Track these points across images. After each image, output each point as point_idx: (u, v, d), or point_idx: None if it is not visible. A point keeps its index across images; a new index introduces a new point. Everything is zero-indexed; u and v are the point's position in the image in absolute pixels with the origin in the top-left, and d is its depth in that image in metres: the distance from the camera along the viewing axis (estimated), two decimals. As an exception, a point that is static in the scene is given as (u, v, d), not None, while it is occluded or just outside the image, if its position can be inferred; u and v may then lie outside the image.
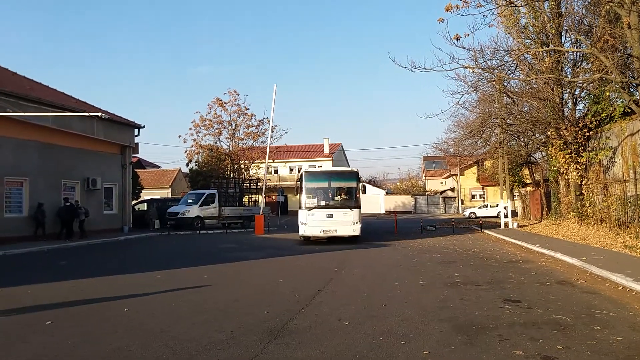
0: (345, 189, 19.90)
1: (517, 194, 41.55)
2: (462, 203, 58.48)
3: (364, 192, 20.49)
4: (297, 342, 5.93)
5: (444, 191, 65.75)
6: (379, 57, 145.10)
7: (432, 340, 5.86)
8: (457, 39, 15.02)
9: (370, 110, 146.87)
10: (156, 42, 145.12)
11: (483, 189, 57.66)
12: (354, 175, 19.95)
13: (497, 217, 37.08)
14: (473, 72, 21.73)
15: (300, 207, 19.25)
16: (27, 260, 15.82)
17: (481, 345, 5.63)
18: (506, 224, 26.87)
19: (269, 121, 35.95)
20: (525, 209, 38.11)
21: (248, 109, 40.74)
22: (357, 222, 18.87)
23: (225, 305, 8.14)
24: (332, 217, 18.81)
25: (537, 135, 26.53)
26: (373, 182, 74.04)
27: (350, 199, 19.48)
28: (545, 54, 20.58)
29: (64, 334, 6.50)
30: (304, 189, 19.27)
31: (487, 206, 47.13)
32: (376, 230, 27.44)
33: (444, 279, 10.40)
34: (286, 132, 78.88)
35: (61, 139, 23.46)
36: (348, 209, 18.95)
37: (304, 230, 19.03)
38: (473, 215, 44.86)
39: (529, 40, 22.66)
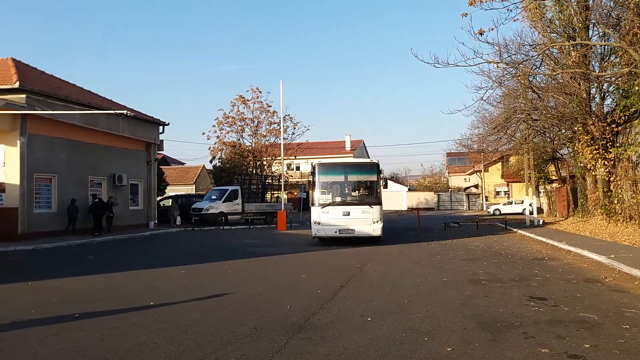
0: (364, 184, 17.90)
1: (543, 190, 40.86)
2: (486, 200, 57.76)
3: (386, 186, 18.20)
4: (319, 337, 5.96)
5: (468, 188, 65.02)
6: (401, 53, 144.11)
7: (455, 337, 5.82)
8: (481, 34, 14.80)
9: (392, 106, 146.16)
10: (181, 40, 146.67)
11: (508, 185, 56.84)
12: (374, 168, 17.76)
13: (522, 214, 36.56)
14: (497, 67, 21.35)
15: (312, 204, 17.43)
16: (55, 254, 16.20)
17: (506, 342, 5.57)
18: (531, 221, 26.47)
19: (285, 118, 36.05)
20: (551, 205, 37.47)
21: (270, 105, 40.86)
22: (377, 221, 16.94)
23: (248, 300, 8.21)
24: (349, 215, 16.93)
25: (563, 130, 26.03)
26: (395, 179, 73.63)
27: (370, 195, 17.51)
28: (571, 48, 20.16)
29: (92, 327, 6.65)
30: (317, 184, 17.46)
31: (511, 203, 46.50)
32: (398, 227, 27.30)
33: (468, 276, 10.31)
34: (308, 129, 78.97)
35: (88, 136, 23.91)
36: (367, 206, 17.00)
37: (317, 230, 17.25)
38: (497, 212, 44.28)
39: (555, 34, 22.22)
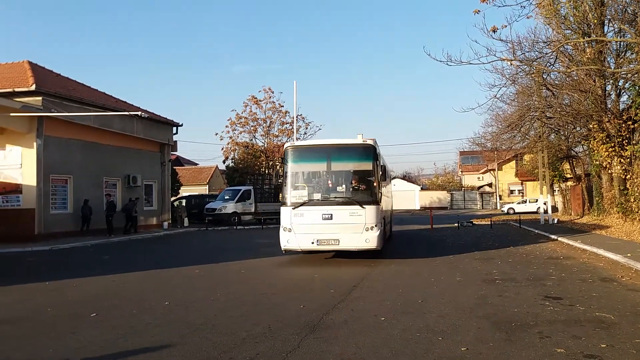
0: (354, 174, 12.98)
1: (558, 189, 40.45)
2: (500, 198, 57.34)
3: (385, 177, 14.12)
4: (333, 336, 5.97)
5: (481, 186, 64.59)
6: (413, 51, 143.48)
7: (469, 337, 5.80)
8: (494, 31, 14.67)
9: (405, 105, 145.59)
10: (194, 41, 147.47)
11: (522, 184, 56.40)
12: (369, 152, 12.77)
13: (536, 212, 36.21)
14: (511, 64, 21.20)
15: (283, 203, 12.76)
16: (72, 255, 16.40)
17: (521, 342, 5.54)
18: (546, 220, 26.23)
19: (298, 118, 36.07)
20: (566, 204, 37.08)
21: (282, 105, 41.06)
22: (373, 227, 12.05)
23: (262, 299, 8.24)
24: (331, 218, 12.08)
25: (578, 128, 25.75)
26: (408, 178, 73.42)
27: (363, 190, 12.60)
28: (586, 45, 19.94)
29: (108, 325, 6.73)
30: (288, 175, 12.83)
31: (526, 201, 46.12)
32: (410, 226, 27.21)
33: (482, 276, 10.26)
34: (320, 129, 78.82)
35: (103, 138, 24.16)
36: (358, 206, 12.05)
37: (287, 240, 12.36)
38: (511, 211, 43.93)
39: (570, 31, 21.97)
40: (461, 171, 72.11)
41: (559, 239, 17.54)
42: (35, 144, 20.27)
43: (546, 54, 20.94)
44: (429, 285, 9.34)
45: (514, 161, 51.52)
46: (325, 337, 5.96)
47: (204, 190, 49.67)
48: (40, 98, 20.15)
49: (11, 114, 18.98)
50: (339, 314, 7.10)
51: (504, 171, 57.45)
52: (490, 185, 63.11)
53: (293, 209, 12.33)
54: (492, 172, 60.04)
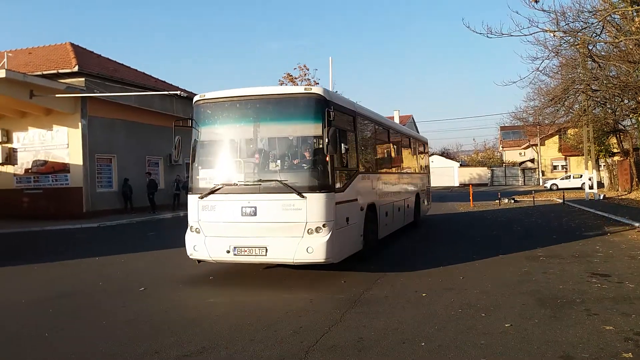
0: (292, 144, 8.52)
1: (604, 164, 39.07)
2: (543, 174, 55.82)
3: (335, 148, 7.54)
4: (374, 311, 6.01)
5: (523, 162, 62.99)
6: (451, 24, 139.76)
7: (513, 313, 5.73)
8: (536, 1, 14.10)
9: (442, 80, 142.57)
10: (228, 19, 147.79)
11: (565, 159, 54.69)
12: (315, 108, 7.78)
13: (581, 188, 35.17)
14: (554, 36, 20.33)
15: (189, 189, 8.35)
16: (119, 231, 16.98)
17: (567, 319, 5.44)
18: (591, 196, 25.43)
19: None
20: (613, 179, 35.82)
21: (318, 83, 40.80)
22: (320, 228, 7.48)
23: (303, 275, 8.34)
24: (254, 214, 7.67)
25: (626, 101, 24.64)
26: (446, 154, 72.26)
27: (305, 168, 7.97)
28: (635, 14, 18.93)
29: (156, 299, 6.98)
30: (197, 146, 8.53)
31: (570, 177, 44.79)
32: (449, 202, 26.88)
33: (525, 252, 10.06)
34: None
35: (144, 117, 24.64)
36: (294, 194, 7.49)
37: (195, 244, 8.02)
38: (555, 187, 42.76)
39: (617, -1, 20.92)
40: (502, 147, 70.44)
41: (606, 215, 17.01)
42: (80, 124, 20.87)
43: (592, 24, 19.95)
44: (471, 261, 9.23)
45: (557, 136, 49.90)
46: (366, 311, 6.00)
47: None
48: (83, 79, 20.68)
49: (56, 95, 19.57)
50: (380, 289, 7.13)
51: (547, 146, 55.77)
52: (532, 161, 61.49)
53: (200, 198, 7.95)
54: (534, 147, 58.41)
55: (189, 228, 8.16)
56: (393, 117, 64.94)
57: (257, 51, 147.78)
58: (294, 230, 7.47)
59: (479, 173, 61.67)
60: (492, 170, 61.19)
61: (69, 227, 17.68)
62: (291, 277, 8.19)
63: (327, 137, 7.30)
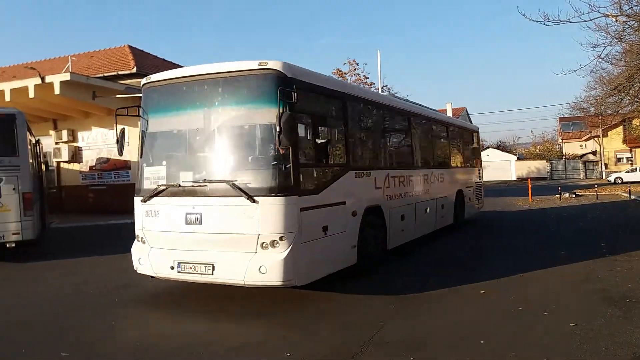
0: (247, 133, 6.51)
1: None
2: (606, 167, 53.24)
3: (316, 133, 6.95)
4: (428, 309, 5.91)
5: (584, 155, 60.31)
6: (506, 12, 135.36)
7: (578, 313, 5.48)
8: (598, -16, 13.44)
9: (497, 71, 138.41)
10: (280, 16, 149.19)
11: (631, 151, 51.96)
12: (274, 87, 5.91)
13: (648, 181, 33.35)
14: (616, 20, 19.33)
15: (135, 192, 7.16)
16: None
17: (638, 319, 5.15)
18: (660, 190, 24.05)
19: (383, 89, 35.43)
20: (684, 172, 33.74)
21: (367, 77, 40.48)
22: (277, 242, 5.86)
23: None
24: (200, 222, 6.21)
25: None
26: (502, 147, 70.18)
27: (262, 164, 6.20)
28: None
29: (208, 293, 7.15)
30: (145, 140, 7.39)
31: (635, 170, 42.50)
32: (506, 197, 26.07)
33: (589, 249, 9.60)
34: (405, 99, 77.54)
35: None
36: (243, 198, 5.90)
37: (140, 257, 6.89)
38: (619, 181, 40.71)
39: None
40: (561, 139, 67.75)
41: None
42: (139, 123, 21.56)
43: (660, 6, 18.80)
44: (530, 258, 8.91)
45: (622, 126, 47.47)
46: (421, 309, 5.91)
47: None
48: (140, 80, 21.41)
49: (117, 96, 20.37)
50: (436, 286, 6.99)
51: (610, 137, 53.11)
52: (594, 153, 58.79)
53: (143, 202, 6.76)
54: (596, 139, 55.78)
55: (135, 237, 7.04)
56: (445, 110, 63.70)
57: (308, 47, 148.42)
58: (245, 244, 5.90)
59: (537, 166, 59.53)
60: (551, 163, 58.96)
61: (130, 221, 18.34)
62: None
63: (279, 125, 5.62)
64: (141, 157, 7.07)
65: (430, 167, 11.27)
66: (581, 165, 57.67)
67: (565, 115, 52.95)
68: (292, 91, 5.83)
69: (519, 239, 11.53)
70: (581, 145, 63.06)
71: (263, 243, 5.81)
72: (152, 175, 6.84)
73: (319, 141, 6.87)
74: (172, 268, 6.31)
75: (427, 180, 10.80)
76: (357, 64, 40.33)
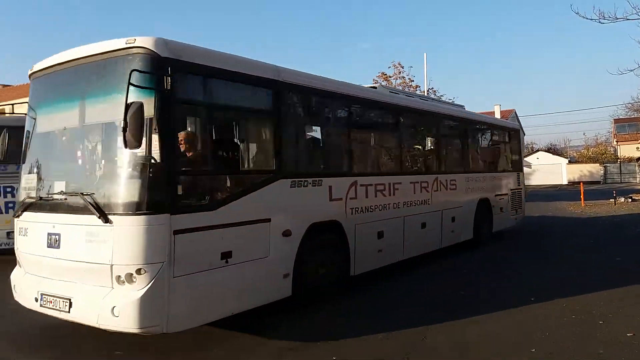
0: (114, 132, 4.73)
1: None
2: (665, 170, 50.76)
3: (213, 131, 5.36)
4: (475, 316, 5.78)
5: (641, 158, 57.70)
6: (558, 11, 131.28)
7: (636, 322, 5.23)
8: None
9: (548, 71, 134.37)
10: (319, 22, 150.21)
11: (693, 153, 49.34)
12: (144, 71, 4.47)
13: None
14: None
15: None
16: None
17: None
18: None
19: (429, 92, 35.00)
20: None
21: (413, 80, 40.10)
22: (138, 272, 4.35)
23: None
24: (58, 245, 4.83)
25: None
26: (553, 150, 68.00)
27: (121, 171, 4.65)
28: None
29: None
30: (27, 139, 5.71)
31: (698, 173, 40.33)
32: (556, 201, 25.18)
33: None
34: (452, 102, 76.37)
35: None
36: (95, 217, 4.47)
37: (15, 282, 5.51)
38: (680, 184, 38.71)
39: None
40: (616, 141, 65.01)
41: None
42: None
43: None
44: (581, 263, 8.60)
45: (683, 127, 45.16)
46: (467, 317, 5.77)
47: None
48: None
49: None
50: (480, 292, 6.82)
51: (670, 139, 50.64)
52: (652, 155, 56.17)
53: (14, 216, 5.63)
54: (654, 141, 53.29)
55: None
56: (493, 112, 62.34)
57: (349, 52, 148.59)
58: (100, 276, 4.51)
59: (590, 170, 57.30)
60: (605, 166, 56.66)
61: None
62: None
63: (125, 119, 4.18)
64: (23, 163, 5.68)
65: (432, 172, 9.21)
66: (637, 168, 55.15)
67: (621, 117, 50.98)
68: (165, 75, 4.52)
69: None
70: (638, 148, 60.32)
71: (119, 277, 4.40)
72: (27, 185, 5.53)
73: (224, 141, 5.58)
74: (37, 300, 5.02)
75: (426, 188, 8.70)
76: (402, 67, 40.02)
